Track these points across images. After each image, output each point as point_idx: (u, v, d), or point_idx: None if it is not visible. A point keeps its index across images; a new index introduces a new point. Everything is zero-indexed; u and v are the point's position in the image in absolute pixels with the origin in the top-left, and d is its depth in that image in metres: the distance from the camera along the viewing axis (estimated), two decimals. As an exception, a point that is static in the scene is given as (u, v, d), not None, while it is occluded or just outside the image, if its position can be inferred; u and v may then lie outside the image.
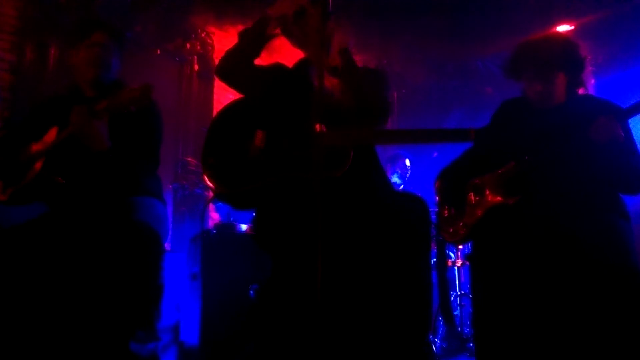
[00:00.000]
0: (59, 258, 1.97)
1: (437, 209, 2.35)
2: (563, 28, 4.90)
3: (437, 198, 2.32)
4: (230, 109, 2.04)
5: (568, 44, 2.15)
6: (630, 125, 2.08)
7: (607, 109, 2.06)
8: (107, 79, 2.26)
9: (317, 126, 1.49)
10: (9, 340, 1.92)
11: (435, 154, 5.04)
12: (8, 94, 3.88)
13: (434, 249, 3.66)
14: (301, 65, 2.14)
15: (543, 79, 2.09)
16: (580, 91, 2.22)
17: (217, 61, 5.02)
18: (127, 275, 1.91)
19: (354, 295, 1.74)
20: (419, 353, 1.71)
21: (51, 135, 2.16)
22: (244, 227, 3.34)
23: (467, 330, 3.53)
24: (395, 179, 4.26)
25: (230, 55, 2.11)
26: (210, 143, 1.96)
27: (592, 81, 5.23)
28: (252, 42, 2.06)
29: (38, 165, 2.13)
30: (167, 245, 2.21)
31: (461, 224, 2.16)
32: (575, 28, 4.87)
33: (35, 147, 2.18)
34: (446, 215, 2.25)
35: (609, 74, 5.10)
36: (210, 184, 1.88)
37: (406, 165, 4.36)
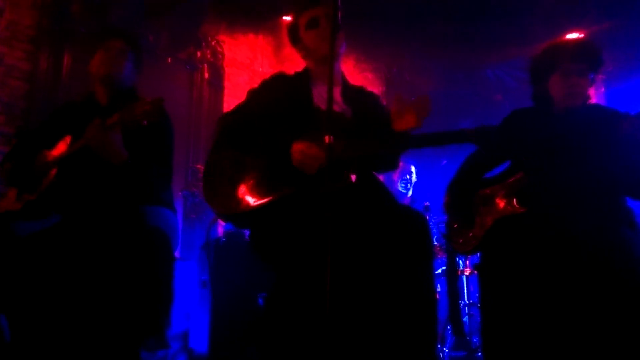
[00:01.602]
0: (72, 265, 1.99)
1: (446, 219, 2.36)
2: (573, 36, 4.89)
3: (447, 213, 2.32)
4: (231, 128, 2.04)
5: (601, 51, 2.17)
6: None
7: (617, 117, 2.07)
8: (121, 85, 2.29)
9: (327, 138, 1.50)
10: (23, 346, 1.95)
11: (444, 162, 5.03)
12: (23, 103, 3.93)
13: (443, 257, 3.66)
14: (298, 78, 2.13)
15: (581, 73, 2.11)
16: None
17: (227, 69, 5.09)
18: (138, 282, 1.93)
19: (359, 307, 1.74)
20: None
21: (64, 143, 2.19)
22: (253, 234, 3.35)
23: (475, 339, 3.52)
24: (400, 187, 4.25)
25: None
26: (211, 166, 1.98)
27: (602, 89, 5.21)
28: None
29: (52, 173, 2.16)
30: (177, 254, 2.22)
31: (471, 235, 2.16)
32: (585, 36, 4.86)
33: (50, 155, 2.21)
34: (456, 226, 2.25)
35: (619, 82, 5.08)
36: (213, 207, 1.91)
37: (411, 172, 4.34)
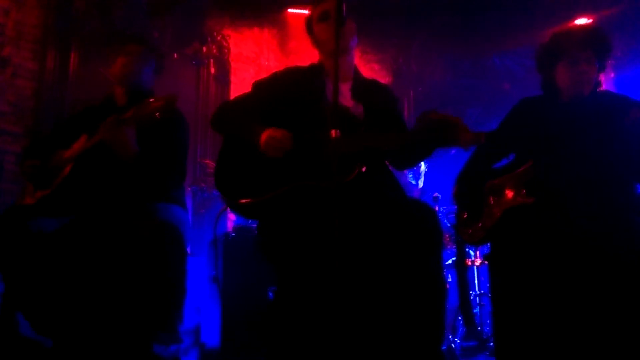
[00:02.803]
0: (85, 261, 2.02)
1: (456, 210, 2.35)
2: (581, 22, 4.83)
3: (456, 203, 2.32)
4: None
5: (609, 38, 2.14)
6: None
7: (627, 104, 2.05)
8: (140, 87, 2.34)
9: (333, 132, 1.49)
10: (38, 340, 1.98)
11: (453, 152, 4.99)
12: (31, 102, 3.96)
13: (453, 248, 3.65)
14: (311, 71, 2.15)
15: (588, 60, 2.08)
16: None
17: (233, 64, 5.09)
18: (150, 277, 1.95)
19: (366, 300, 1.74)
20: (434, 356, 1.71)
21: (80, 142, 2.23)
22: (262, 228, 3.36)
23: (486, 329, 3.51)
24: (409, 179, 4.24)
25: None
26: (223, 157, 2.00)
27: (612, 75, 5.15)
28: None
29: (67, 170, 2.20)
30: (187, 249, 2.25)
31: (480, 225, 2.15)
32: (593, 21, 4.81)
33: (66, 153, 2.26)
34: (465, 217, 2.25)
35: (629, 68, 5.02)
36: (223, 196, 1.92)
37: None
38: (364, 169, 1.77)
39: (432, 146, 1.87)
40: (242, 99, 2.17)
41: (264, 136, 1.87)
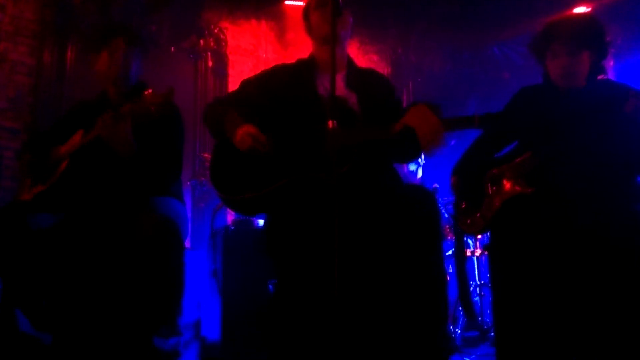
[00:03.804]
0: (84, 257, 2.03)
1: (454, 200, 2.34)
2: (580, 10, 4.81)
3: (454, 193, 2.31)
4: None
5: (597, 25, 2.11)
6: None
7: (626, 93, 2.03)
8: (131, 81, 2.32)
9: (330, 123, 1.49)
10: (35, 337, 1.99)
11: (453, 142, 4.98)
12: (29, 98, 3.95)
13: (452, 239, 3.65)
14: (300, 65, 2.14)
15: (570, 53, 2.05)
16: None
17: (231, 57, 5.07)
18: (149, 271, 1.95)
19: (365, 293, 1.74)
20: (435, 347, 1.71)
21: (76, 137, 2.22)
22: (261, 222, 3.36)
23: (487, 319, 3.52)
24: (412, 167, 4.23)
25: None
26: (217, 154, 1.99)
27: (611, 63, 5.12)
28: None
29: (64, 165, 2.20)
30: (186, 243, 2.25)
31: (479, 215, 2.15)
32: (593, 9, 4.78)
33: (63, 149, 2.25)
34: (464, 207, 2.24)
35: (629, 55, 4.99)
36: (219, 192, 1.92)
37: None
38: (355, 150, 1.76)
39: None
40: (228, 95, 2.18)
41: (239, 132, 1.87)
